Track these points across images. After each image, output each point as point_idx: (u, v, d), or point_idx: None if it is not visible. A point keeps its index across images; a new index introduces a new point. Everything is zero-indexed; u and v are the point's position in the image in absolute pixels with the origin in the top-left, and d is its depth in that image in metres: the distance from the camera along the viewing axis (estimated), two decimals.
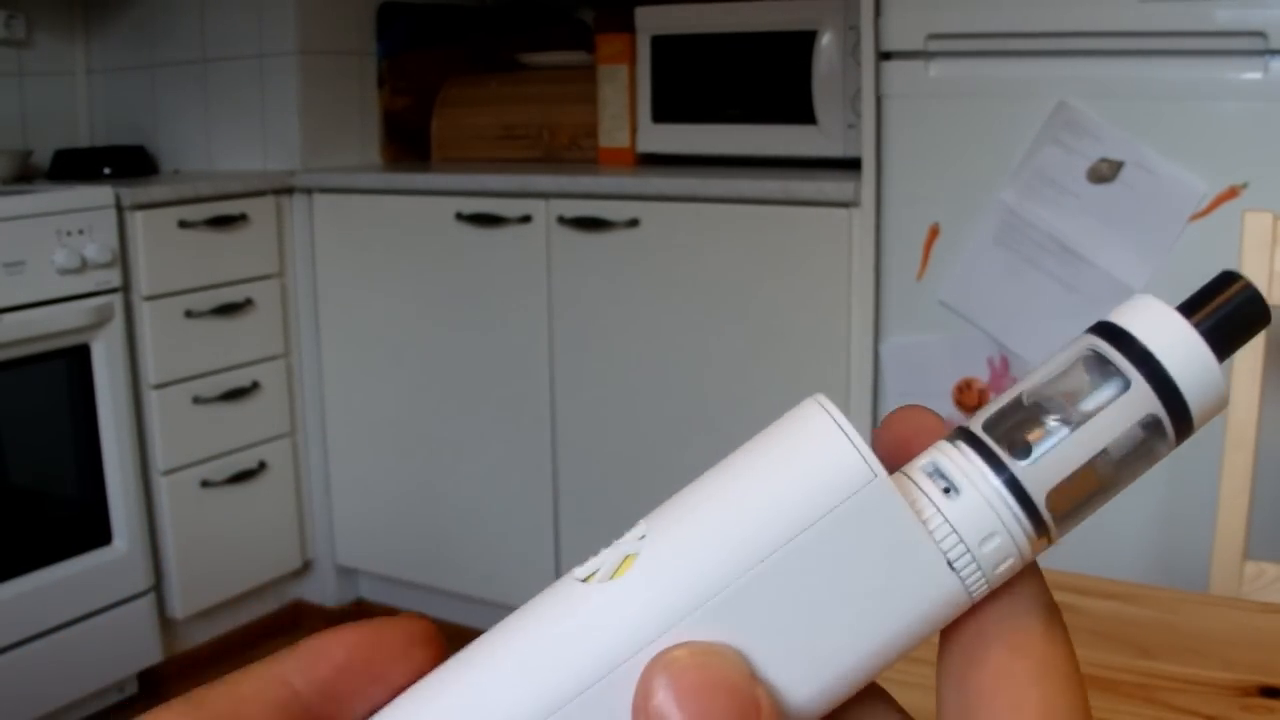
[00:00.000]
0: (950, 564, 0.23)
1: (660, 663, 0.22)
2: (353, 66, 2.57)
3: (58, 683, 2.04)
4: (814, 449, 0.23)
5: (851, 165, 1.93)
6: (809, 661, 0.23)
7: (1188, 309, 0.25)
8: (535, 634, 0.23)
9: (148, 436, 2.18)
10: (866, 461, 0.22)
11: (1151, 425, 0.24)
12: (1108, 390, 0.24)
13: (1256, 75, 1.58)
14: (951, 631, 0.24)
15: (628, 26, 2.28)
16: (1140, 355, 0.24)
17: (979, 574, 0.23)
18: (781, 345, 1.99)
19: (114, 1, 2.62)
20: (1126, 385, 0.24)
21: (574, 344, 2.18)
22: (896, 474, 0.24)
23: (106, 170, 2.43)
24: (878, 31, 1.82)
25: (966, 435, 0.24)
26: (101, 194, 2.08)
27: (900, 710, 0.25)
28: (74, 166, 2.43)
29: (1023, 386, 0.24)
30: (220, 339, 2.28)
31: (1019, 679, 0.23)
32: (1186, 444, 0.25)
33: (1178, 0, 1.59)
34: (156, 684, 2.24)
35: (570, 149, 2.46)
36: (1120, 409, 0.24)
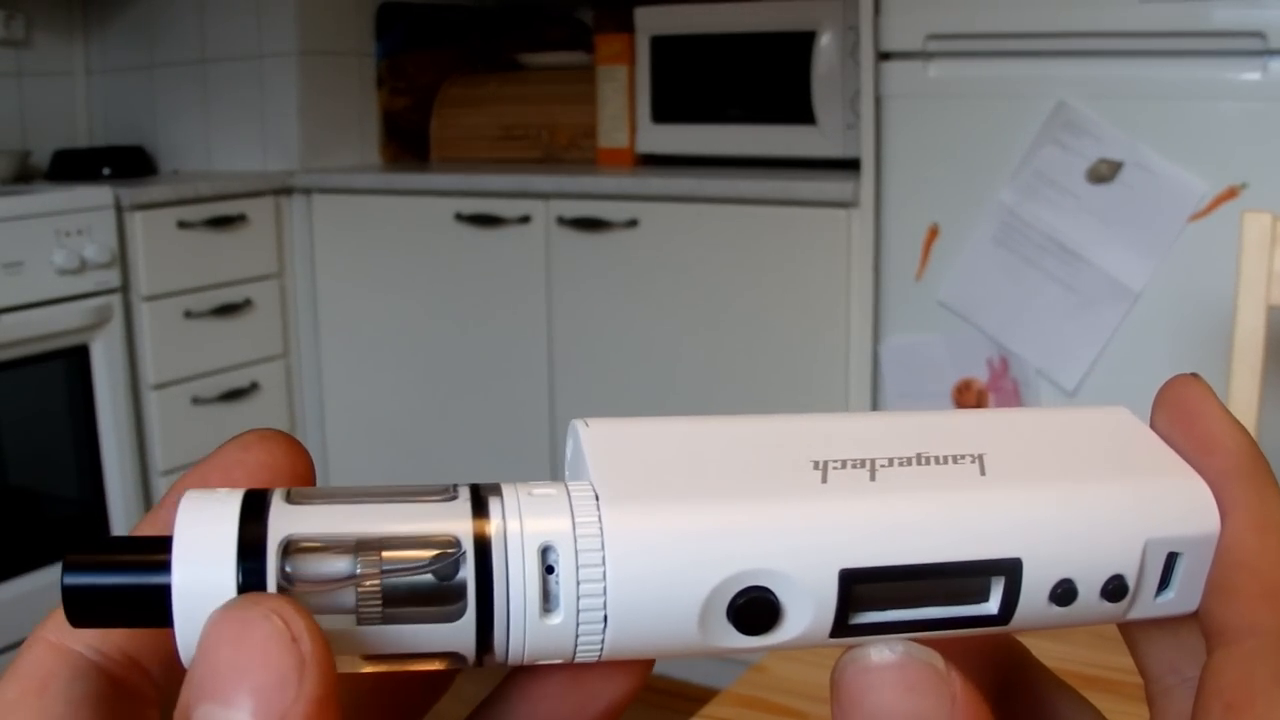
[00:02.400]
0: None
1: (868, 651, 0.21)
2: (352, 67, 2.57)
3: None
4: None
5: (850, 165, 1.93)
6: None
7: None
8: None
9: (147, 437, 2.18)
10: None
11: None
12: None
13: (1255, 75, 1.58)
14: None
15: (627, 26, 2.28)
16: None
17: None
18: (781, 345, 1.99)
19: (114, 1, 2.62)
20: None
21: (573, 344, 2.18)
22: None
23: (106, 170, 2.43)
24: (877, 32, 1.82)
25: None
26: (101, 194, 2.08)
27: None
28: (73, 167, 2.43)
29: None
30: (220, 339, 2.28)
31: None
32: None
33: (1177, 0, 1.59)
34: None
35: (569, 149, 2.46)
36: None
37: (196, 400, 2.24)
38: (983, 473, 0.22)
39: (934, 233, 1.83)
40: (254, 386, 2.35)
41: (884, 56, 1.83)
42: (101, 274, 2.07)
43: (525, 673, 0.23)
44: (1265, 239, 1.10)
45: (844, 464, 0.22)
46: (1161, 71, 1.64)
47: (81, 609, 0.19)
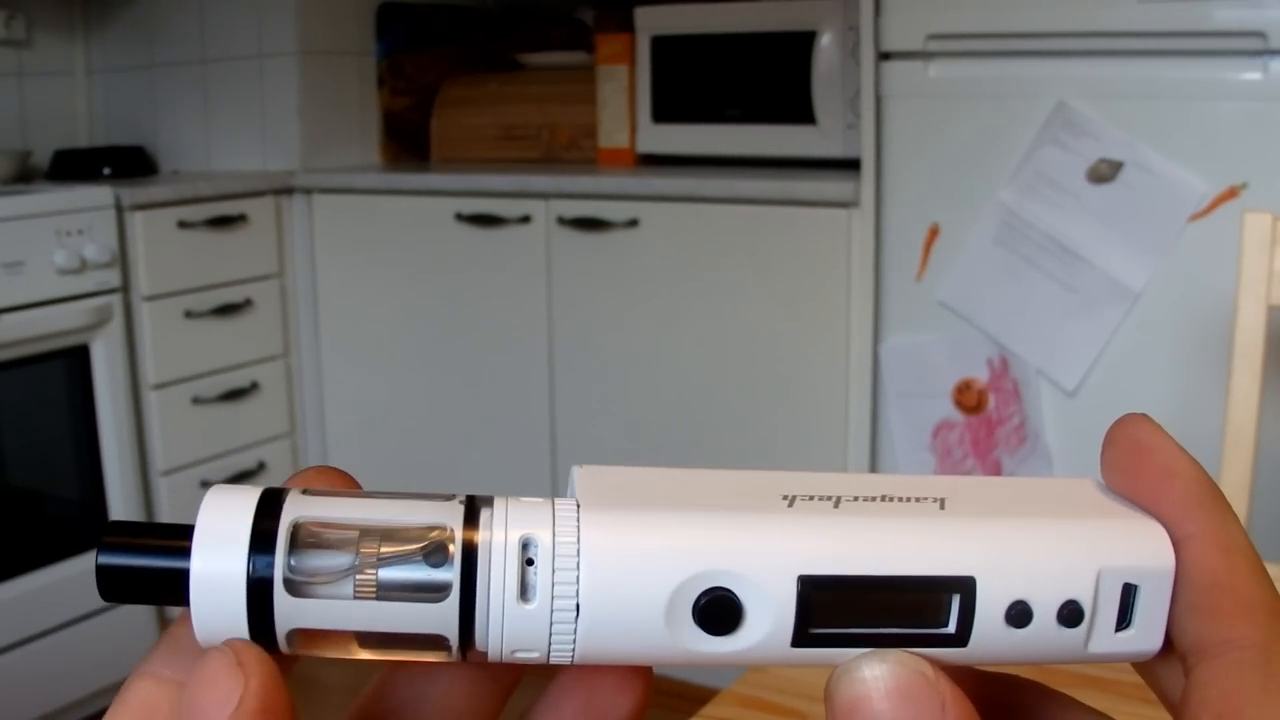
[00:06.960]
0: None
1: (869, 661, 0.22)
2: (352, 66, 2.57)
3: (58, 683, 2.04)
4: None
5: (851, 165, 1.93)
6: None
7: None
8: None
9: (147, 437, 2.18)
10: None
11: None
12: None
13: (1256, 75, 1.58)
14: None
15: (627, 26, 2.28)
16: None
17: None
18: (781, 345, 1.99)
19: (114, 1, 2.62)
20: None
21: (573, 344, 2.18)
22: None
23: (106, 170, 2.43)
24: (877, 32, 1.82)
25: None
26: (101, 194, 2.08)
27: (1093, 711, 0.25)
28: (74, 167, 2.43)
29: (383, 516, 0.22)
30: (220, 339, 2.28)
31: None
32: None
33: (1177, 0, 1.59)
34: None
35: (570, 149, 2.46)
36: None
37: (197, 400, 2.24)
38: (942, 508, 0.23)
39: (934, 233, 1.83)
40: (254, 386, 2.35)
41: (884, 56, 1.83)
42: (102, 274, 2.07)
43: (542, 702, 0.24)
44: (1265, 239, 1.10)
45: (812, 498, 0.23)
46: (1161, 71, 1.63)
47: (112, 586, 0.22)
